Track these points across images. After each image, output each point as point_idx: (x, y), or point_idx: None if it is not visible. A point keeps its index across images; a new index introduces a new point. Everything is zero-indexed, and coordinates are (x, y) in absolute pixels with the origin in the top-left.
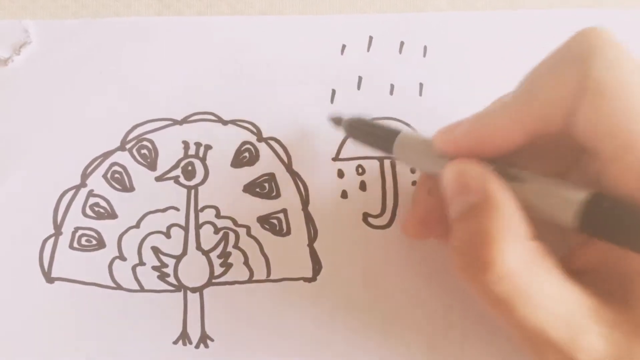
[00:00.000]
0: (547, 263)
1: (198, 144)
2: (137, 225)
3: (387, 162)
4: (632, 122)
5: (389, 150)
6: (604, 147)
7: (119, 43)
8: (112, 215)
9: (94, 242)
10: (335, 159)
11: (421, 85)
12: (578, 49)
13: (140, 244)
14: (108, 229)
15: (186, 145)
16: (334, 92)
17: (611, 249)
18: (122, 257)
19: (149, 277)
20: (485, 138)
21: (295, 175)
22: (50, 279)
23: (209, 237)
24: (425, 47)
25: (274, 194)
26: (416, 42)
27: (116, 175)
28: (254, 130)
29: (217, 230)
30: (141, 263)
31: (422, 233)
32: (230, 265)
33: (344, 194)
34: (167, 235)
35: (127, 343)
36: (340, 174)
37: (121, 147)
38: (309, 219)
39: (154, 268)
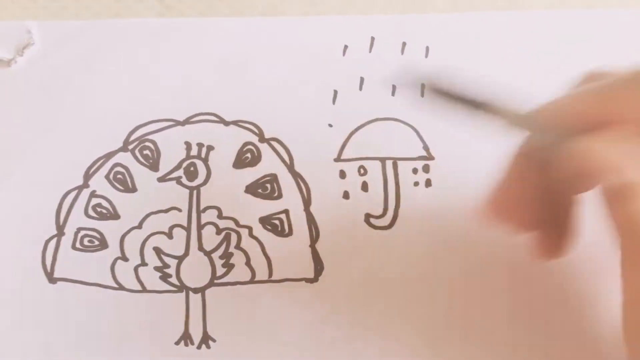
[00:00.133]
0: None
1: (200, 145)
2: (140, 226)
3: (389, 163)
4: None
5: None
6: None
7: (121, 44)
8: (114, 215)
9: (97, 242)
10: (337, 159)
11: (423, 86)
12: None
13: (142, 244)
14: (110, 230)
15: (188, 146)
16: (335, 92)
17: None
18: (124, 258)
19: (151, 278)
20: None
21: (297, 176)
22: (52, 280)
23: (211, 238)
24: (427, 48)
25: (276, 194)
26: (418, 43)
27: (119, 176)
28: (256, 131)
29: (219, 231)
30: (143, 263)
31: (507, 216)
32: (232, 265)
33: (346, 195)
34: (169, 235)
35: (129, 343)
36: (342, 174)
37: (123, 148)
38: (310, 220)
39: (156, 268)
